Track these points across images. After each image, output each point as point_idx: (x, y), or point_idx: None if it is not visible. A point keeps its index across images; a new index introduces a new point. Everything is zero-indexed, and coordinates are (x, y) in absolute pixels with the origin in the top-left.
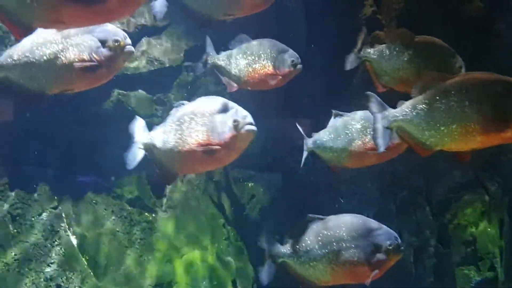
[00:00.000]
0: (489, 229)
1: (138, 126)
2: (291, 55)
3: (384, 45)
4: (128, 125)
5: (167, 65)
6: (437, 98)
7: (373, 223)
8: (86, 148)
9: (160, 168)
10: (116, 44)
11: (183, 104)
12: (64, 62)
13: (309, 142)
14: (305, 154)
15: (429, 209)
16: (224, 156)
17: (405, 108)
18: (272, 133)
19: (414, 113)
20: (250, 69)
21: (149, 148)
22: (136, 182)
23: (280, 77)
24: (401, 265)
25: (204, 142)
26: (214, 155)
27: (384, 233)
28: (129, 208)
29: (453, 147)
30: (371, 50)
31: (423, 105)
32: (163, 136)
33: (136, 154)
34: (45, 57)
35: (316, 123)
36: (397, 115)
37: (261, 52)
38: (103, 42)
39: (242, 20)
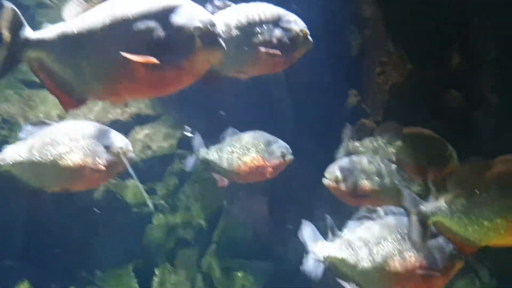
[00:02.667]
0: None
1: (308, 231)
2: (280, 146)
3: (371, 137)
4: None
5: (160, 153)
6: (477, 191)
7: None
8: (72, 240)
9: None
10: (119, 150)
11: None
12: (68, 163)
13: None
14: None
15: None
16: None
17: (443, 202)
18: (263, 220)
19: (453, 208)
20: (240, 163)
21: (332, 263)
22: (122, 275)
23: (271, 168)
24: None
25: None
26: None
27: None
28: None
29: (500, 243)
30: (358, 143)
31: (463, 199)
32: (352, 249)
33: (316, 269)
34: (50, 157)
35: (306, 209)
36: (435, 210)
37: (250, 145)
38: (107, 148)
39: (230, 112)
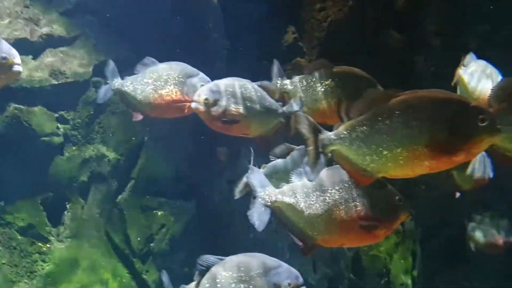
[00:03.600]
0: (402, 261)
1: (256, 177)
2: (201, 79)
3: (301, 76)
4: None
5: (73, 79)
6: (380, 119)
7: (272, 261)
8: None
9: (296, 233)
10: (3, 61)
11: None
12: None
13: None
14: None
15: None
16: None
17: (342, 130)
18: (186, 158)
19: (353, 136)
20: (157, 96)
21: (279, 209)
22: (29, 208)
23: (189, 103)
24: None
25: None
26: None
27: (284, 272)
28: (20, 237)
29: (397, 174)
30: (287, 81)
31: (364, 127)
32: (300, 195)
33: (263, 215)
34: None
35: (233, 150)
36: (334, 138)
37: (168, 77)
38: None
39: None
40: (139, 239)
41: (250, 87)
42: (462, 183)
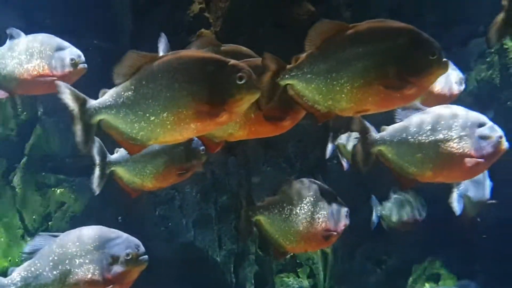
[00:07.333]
0: None
1: None
2: (70, 53)
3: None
4: None
5: None
6: (144, 82)
7: (110, 232)
8: None
9: None
10: None
11: None
12: None
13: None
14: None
15: None
16: None
17: (108, 97)
18: None
19: (119, 103)
20: (22, 70)
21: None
22: None
23: (57, 78)
24: (221, 273)
25: None
26: None
27: (123, 242)
28: None
29: (168, 139)
30: None
31: (130, 92)
32: None
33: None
34: None
35: None
36: (99, 106)
37: (34, 50)
38: None
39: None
40: (34, 217)
41: None
42: (470, 211)
